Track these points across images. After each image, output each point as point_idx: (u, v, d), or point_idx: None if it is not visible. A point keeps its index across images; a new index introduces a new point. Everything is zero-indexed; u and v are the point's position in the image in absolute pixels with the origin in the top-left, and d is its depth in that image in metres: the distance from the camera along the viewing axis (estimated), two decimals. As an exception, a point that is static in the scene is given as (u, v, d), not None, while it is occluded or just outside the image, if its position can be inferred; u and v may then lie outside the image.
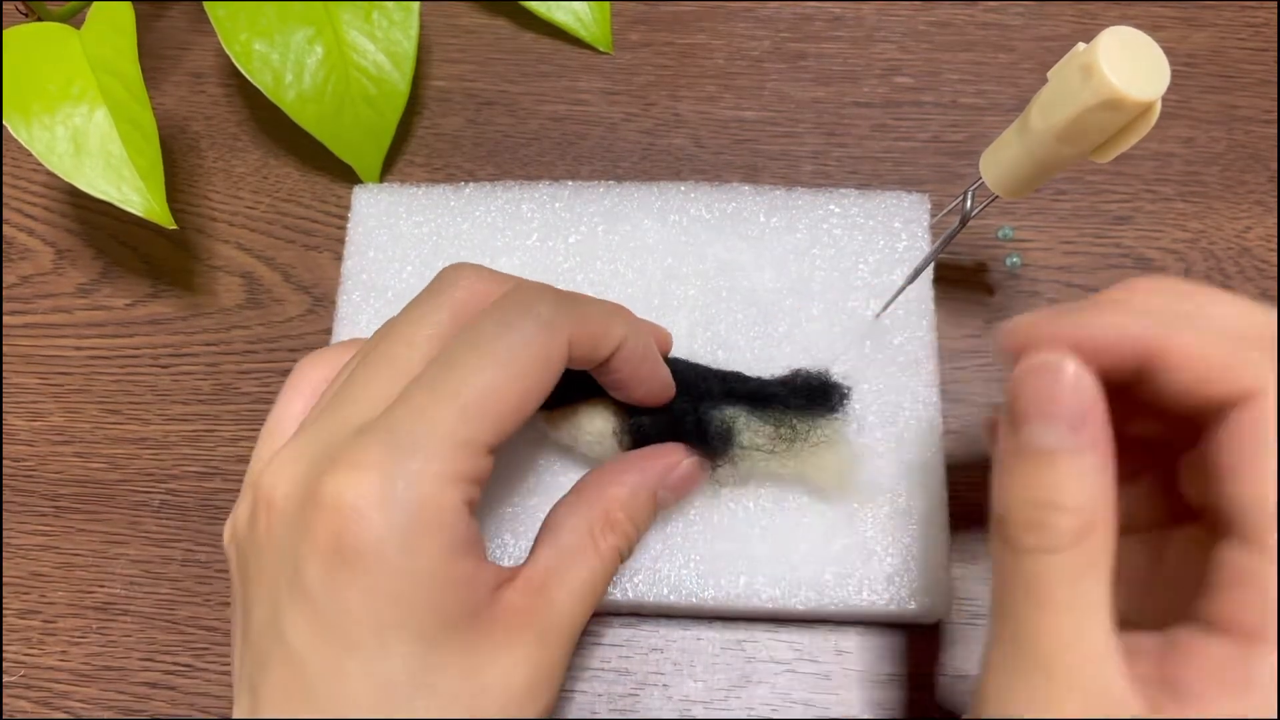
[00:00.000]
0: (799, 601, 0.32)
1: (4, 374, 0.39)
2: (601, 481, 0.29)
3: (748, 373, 0.33)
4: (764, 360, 0.35)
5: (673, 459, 0.30)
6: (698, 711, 0.33)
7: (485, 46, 0.44)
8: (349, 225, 0.38)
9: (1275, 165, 0.40)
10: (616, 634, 0.34)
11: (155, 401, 0.38)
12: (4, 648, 0.35)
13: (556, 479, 0.33)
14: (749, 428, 0.31)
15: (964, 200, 0.33)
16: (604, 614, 0.34)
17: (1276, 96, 0.41)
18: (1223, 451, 0.22)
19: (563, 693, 0.33)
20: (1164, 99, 0.27)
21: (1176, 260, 0.39)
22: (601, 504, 0.28)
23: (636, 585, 0.33)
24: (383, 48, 0.40)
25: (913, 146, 0.41)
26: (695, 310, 0.36)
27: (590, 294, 0.36)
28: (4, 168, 0.42)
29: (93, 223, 0.41)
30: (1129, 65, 0.26)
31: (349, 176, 0.41)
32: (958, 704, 0.33)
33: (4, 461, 0.38)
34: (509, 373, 0.24)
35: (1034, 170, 0.30)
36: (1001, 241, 0.39)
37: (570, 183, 0.38)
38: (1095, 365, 0.23)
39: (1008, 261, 0.38)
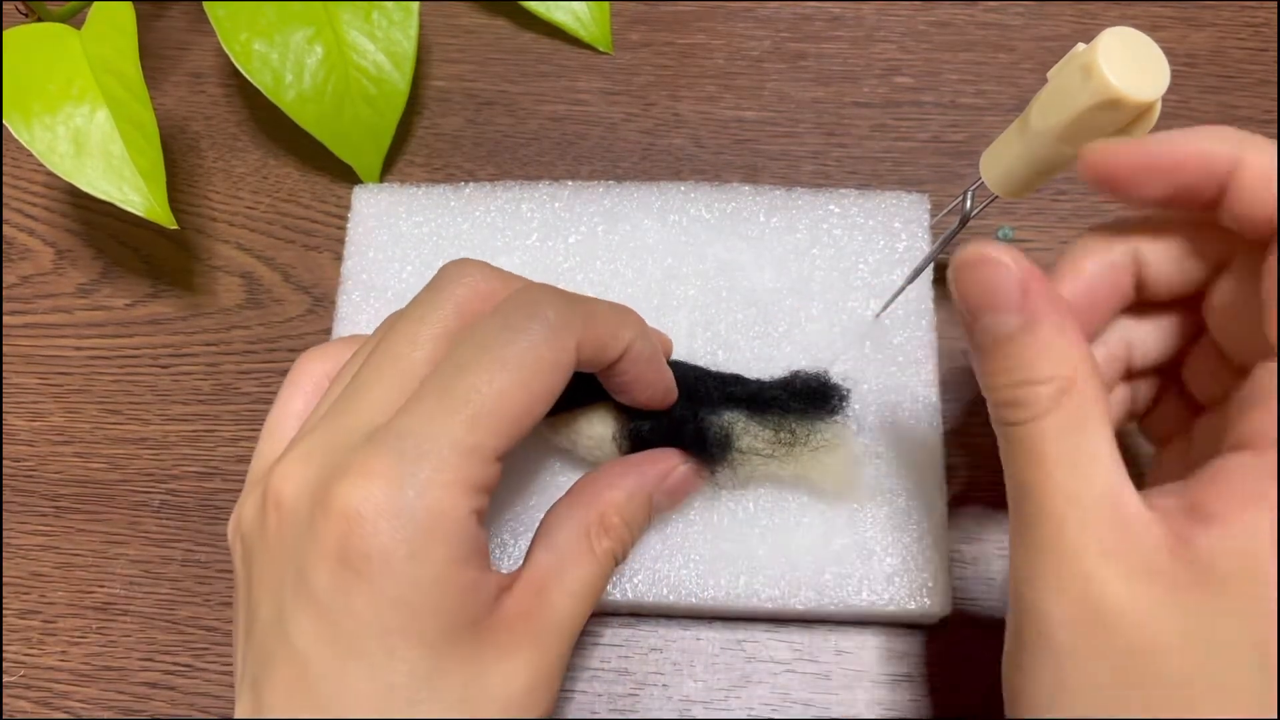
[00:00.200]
0: (799, 601, 0.32)
1: (4, 374, 0.39)
2: (597, 485, 0.29)
3: (747, 374, 0.33)
4: (764, 360, 0.35)
5: (669, 464, 0.30)
6: (697, 711, 0.33)
7: (485, 46, 0.44)
8: (349, 225, 0.38)
9: (1275, 165, 0.40)
10: (616, 634, 0.34)
11: (155, 401, 0.38)
12: (4, 648, 0.35)
13: (555, 479, 0.33)
14: (748, 432, 0.31)
15: (964, 200, 0.33)
16: (603, 614, 0.34)
17: (1276, 96, 0.41)
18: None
19: (563, 693, 0.33)
20: (1164, 99, 0.27)
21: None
22: (597, 507, 0.28)
23: (636, 585, 0.33)
24: (383, 48, 0.40)
25: (913, 146, 0.41)
26: (695, 310, 0.36)
27: (590, 294, 0.36)
28: (4, 168, 0.42)
29: (93, 223, 0.41)
30: (1129, 65, 0.26)
31: (349, 176, 0.41)
32: (958, 704, 0.33)
33: (4, 461, 0.38)
34: (518, 379, 0.24)
35: (1034, 170, 0.30)
36: (1001, 241, 0.39)
37: (570, 183, 0.38)
38: (1178, 183, 0.24)
39: (1008, 261, 0.38)
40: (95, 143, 0.35)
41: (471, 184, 0.38)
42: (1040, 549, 0.23)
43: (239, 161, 0.42)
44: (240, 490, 0.28)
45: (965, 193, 0.32)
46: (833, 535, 0.33)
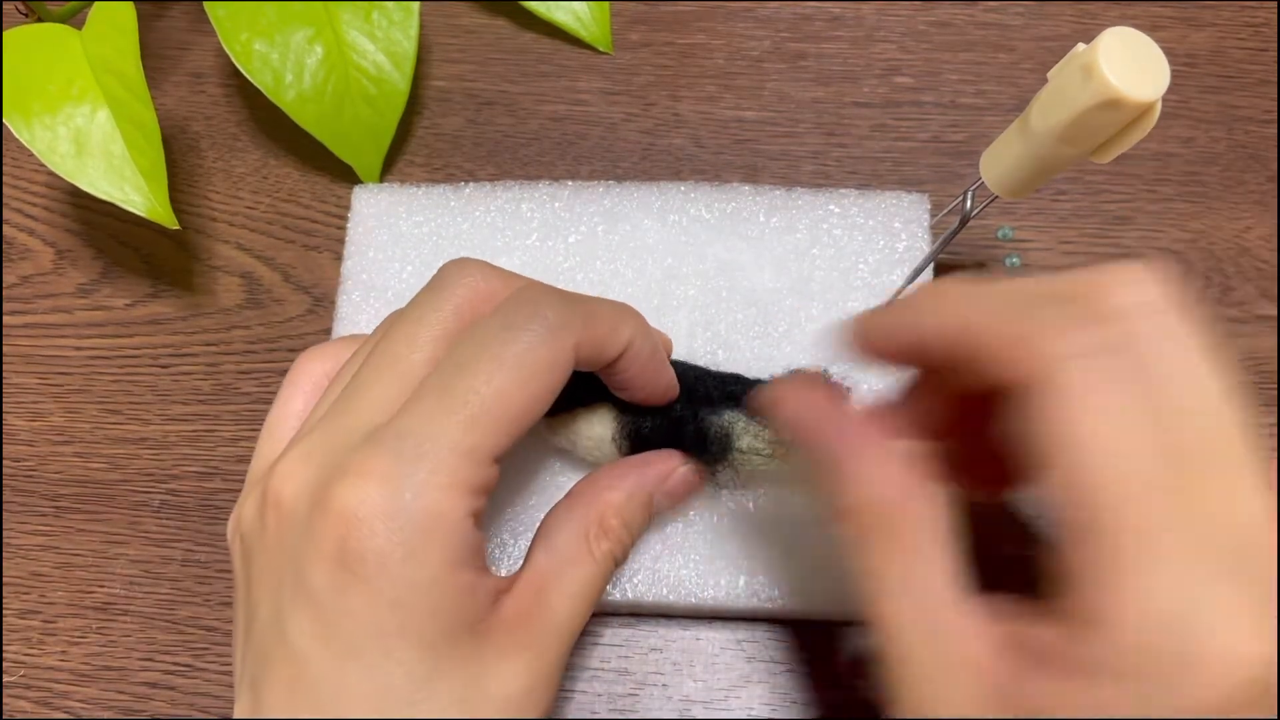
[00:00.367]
0: (799, 602, 0.32)
1: (4, 374, 0.39)
2: (597, 487, 0.29)
3: (747, 374, 0.33)
4: (764, 360, 0.35)
5: (669, 465, 0.30)
6: (697, 711, 0.33)
7: (485, 46, 0.44)
8: (349, 225, 0.38)
9: (1275, 165, 0.40)
10: (616, 634, 0.34)
11: (155, 401, 0.38)
12: (4, 648, 0.35)
13: (555, 479, 0.33)
14: (748, 432, 0.31)
15: (964, 200, 0.33)
16: (603, 614, 0.34)
17: (1276, 96, 0.41)
18: (1029, 435, 0.21)
19: (563, 693, 0.33)
20: (1164, 99, 0.27)
21: (1176, 260, 0.39)
22: (596, 509, 0.28)
23: (636, 585, 0.33)
24: (383, 48, 0.40)
25: (913, 146, 0.41)
26: (695, 310, 0.36)
27: (590, 294, 0.36)
28: (4, 168, 0.42)
29: (93, 223, 0.41)
30: (1129, 65, 0.26)
31: (349, 176, 0.41)
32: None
33: (4, 461, 0.38)
34: (517, 379, 0.24)
35: (1034, 170, 0.30)
36: (1001, 241, 0.39)
37: (570, 183, 0.38)
38: (914, 361, 0.24)
39: (1007, 262, 0.39)
40: (96, 143, 0.35)
41: (471, 184, 0.38)
42: (889, 672, 0.22)
43: (239, 161, 0.42)
44: (240, 490, 0.28)
45: (965, 193, 0.32)
46: (833, 535, 0.33)
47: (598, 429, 0.31)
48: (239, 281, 0.40)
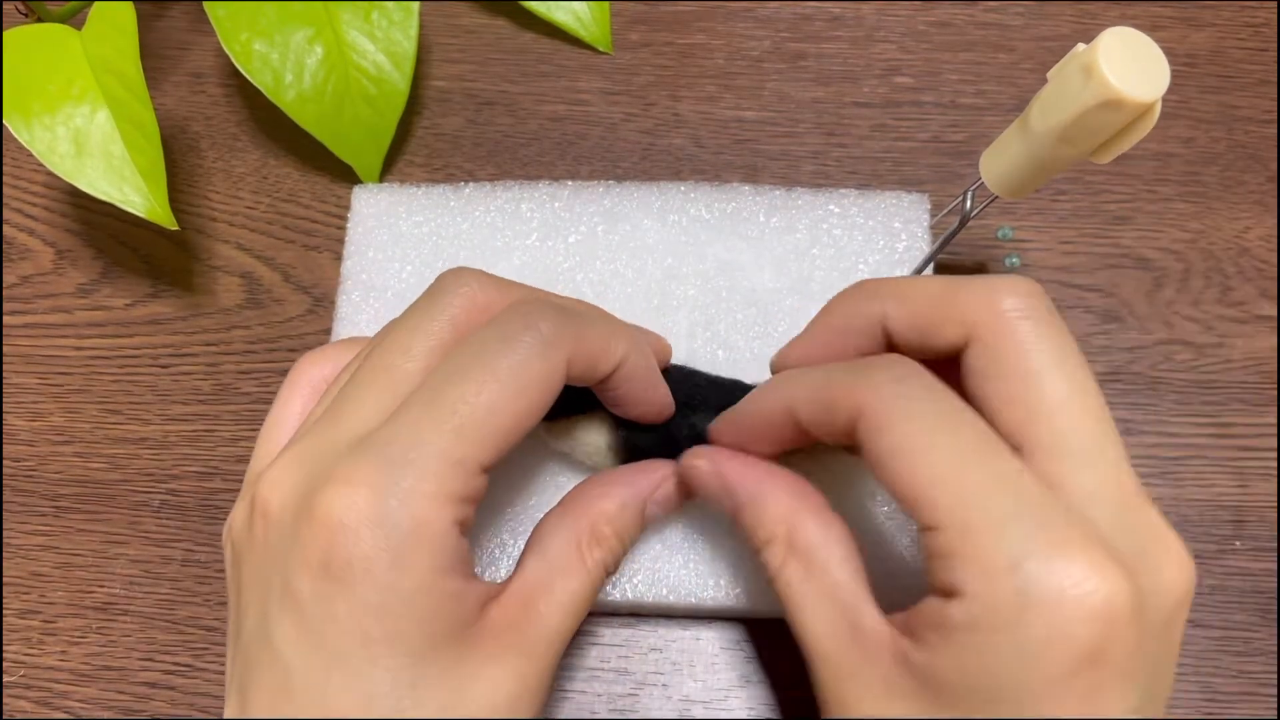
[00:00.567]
0: (799, 601, 0.32)
1: (4, 374, 0.39)
2: (589, 495, 0.28)
3: (746, 375, 0.33)
4: (764, 360, 0.35)
5: (662, 473, 0.30)
6: (697, 711, 0.33)
7: (485, 46, 0.44)
8: (349, 225, 0.38)
9: (1275, 165, 0.40)
10: (616, 634, 0.34)
11: (155, 401, 0.38)
12: (4, 648, 0.35)
13: (555, 479, 0.33)
14: None
15: (964, 200, 0.33)
16: (604, 614, 0.34)
17: (1276, 96, 0.42)
18: (869, 465, 0.24)
19: (562, 693, 0.33)
20: (1164, 99, 0.27)
21: (1176, 260, 0.39)
22: (588, 518, 0.28)
23: (636, 585, 0.33)
24: (383, 48, 0.40)
25: (912, 146, 0.41)
26: (695, 310, 0.36)
27: (590, 294, 0.36)
28: (4, 168, 0.42)
29: (93, 223, 0.41)
30: (1129, 66, 0.26)
31: (349, 176, 0.41)
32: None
33: (4, 461, 0.38)
34: (508, 391, 0.24)
35: (1034, 171, 0.30)
36: (1001, 241, 0.39)
37: (570, 183, 0.38)
38: (772, 447, 0.28)
39: (1007, 262, 0.39)
40: (96, 143, 0.35)
41: (471, 184, 0.38)
42: (815, 678, 0.25)
43: (239, 161, 0.42)
44: (240, 490, 0.28)
45: (965, 193, 0.32)
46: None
47: (595, 437, 0.31)
48: (239, 281, 0.40)
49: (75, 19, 0.38)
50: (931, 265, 0.35)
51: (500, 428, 0.24)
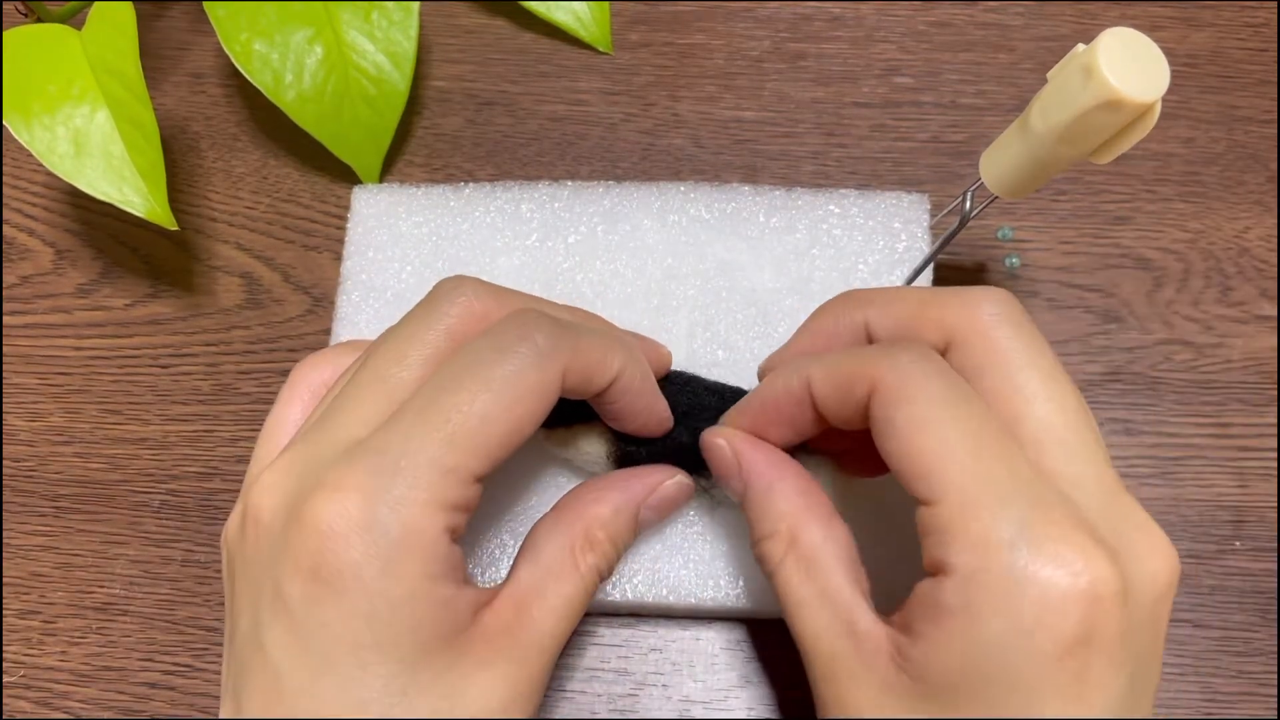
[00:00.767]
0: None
1: (4, 374, 0.39)
2: (583, 500, 0.28)
3: (746, 374, 0.33)
4: (763, 360, 0.35)
5: (656, 478, 0.30)
6: (697, 711, 0.33)
7: (485, 46, 0.44)
8: (348, 225, 0.38)
9: (1275, 165, 0.40)
10: (616, 634, 0.34)
11: (155, 401, 0.38)
12: (4, 648, 0.35)
13: (556, 480, 0.33)
14: None
15: (963, 201, 0.33)
16: (603, 614, 0.34)
17: (1276, 96, 0.42)
18: (879, 440, 0.25)
19: (562, 693, 0.34)
20: (1164, 99, 0.27)
21: (1176, 260, 0.39)
22: (582, 523, 0.28)
23: (636, 585, 0.33)
24: (382, 48, 0.40)
25: (912, 147, 0.41)
26: (695, 310, 0.36)
27: (590, 294, 0.36)
28: (4, 168, 0.42)
29: (93, 223, 0.41)
30: (1129, 66, 0.26)
31: (349, 176, 0.41)
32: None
33: (4, 461, 0.38)
34: (501, 402, 0.24)
35: (1034, 171, 0.30)
36: (1001, 242, 0.39)
37: (570, 183, 0.38)
38: (785, 431, 0.28)
39: (1007, 262, 0.39)
40: (95, 143, 0.35)
41: (471, 184, 0.38)
42: (811, 677, 0.26)
43: (239, 161, 0.42)
44: (239, 491, 0.28)
45: (965, 193, 0.32)
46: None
47: (595, 447, 0.31)
48: (239, 281, 0.40)
49: (75, 19, 0.38)
50: (931, 265, 0.35)
51: (493, 437, 0.24)
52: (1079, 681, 0.22)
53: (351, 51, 0.39)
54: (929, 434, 0.24)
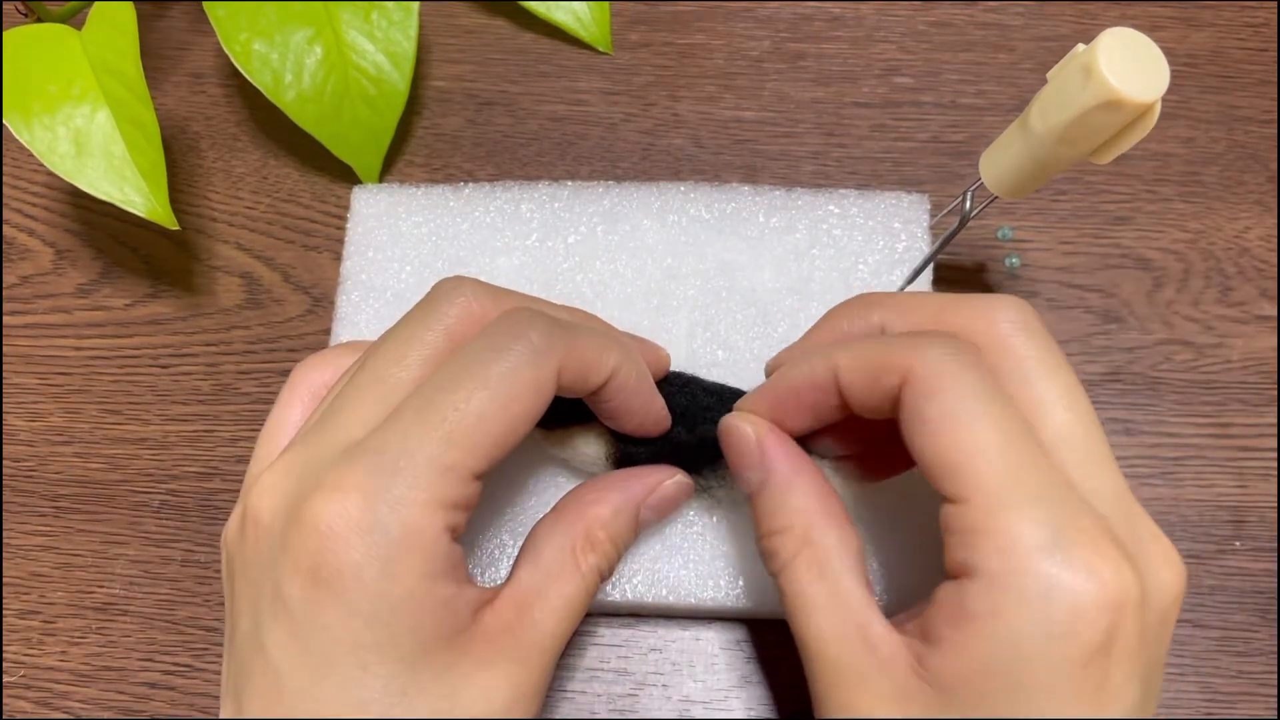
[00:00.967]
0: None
1: (4, 374, 0.39)
2: (583, 500, 0.28)
3: (747, 376, 0.33)
4: (763, 360, 0.35)
5: (655, 479, 0.30)
6: (697, 711, 0.33)
7: (485, 46, 0.44)
8: (348, 225, 0.38)
9: (1275, 165, 0.40)
10: (616, 634, 0.34)
11: (155, 401, 0.38)
12: (4, 648, 0.35)
13: (555, 479, 0.33)
14: None
15: (963, 201, 0.33)
16: (603, 614, 0.34)
17: (1276, 96, 0.42)
18: (907, 432, 0.25)
19: (562, 693, 0.34)
20: (1164, 99, 0.27)
21: (1176, 260, 0.39)
22: (583, 523, 0.28)
23: (636, 585, 0.33)
24: (382, 48, 0.40)
25: (912, 147, 0.41)
26: (695, 310, 0.36)
27: (590, 294, 0.36)
28: (4, 168, 0.42)
29: (93, 223, 0.41)
30: (1129, 66, 0.26)
31: (348, 176, 0.41)
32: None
33: (4, 461, 0.38)
34: (497, 399, 0.24)
35: (1034, 171, 0.30)
36: (1001, 242, 0.39)
37: (570, 183, 0.38)
38: (805, 419, 0.28)
39: (1007, 262, 0.39)
40: (96, 143, 0.35)
41: (471, 184, 0.38)
42: (815, 680, 0.25)
43: (239, 161, 0.42)
44: (239, 491, 0.28)
45: (965, 193, 0.32)
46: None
47: (593, 448, 0.31)
48: (239, 281, 0.40)
49: (75, 19, 0.38)
50: (931, 265, 0.35)
51: (491, 435, 0.24)
52: (1099, 688, 0.22)
53: (351, 51, 0.39)
54: (961, 429, 0.23)
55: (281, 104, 0.39)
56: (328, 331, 0.38)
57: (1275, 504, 0.36)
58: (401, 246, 0.37)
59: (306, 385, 0.29)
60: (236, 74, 0.40)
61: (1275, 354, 0.37)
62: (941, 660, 0.23)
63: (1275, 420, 0.37)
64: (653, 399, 0.29)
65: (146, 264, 0.40)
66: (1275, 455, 0.36)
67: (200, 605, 0.35)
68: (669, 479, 0.30)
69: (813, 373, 0.27)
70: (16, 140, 0.36)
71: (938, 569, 0.24)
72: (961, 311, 0.26)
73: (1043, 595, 0.22)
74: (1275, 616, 0.34)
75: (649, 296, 0.36)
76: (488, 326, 0.26)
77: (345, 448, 0.24)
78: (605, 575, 0.28)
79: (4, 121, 0.35)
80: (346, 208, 0.39)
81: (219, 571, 0.36)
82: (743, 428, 0.28)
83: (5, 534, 0.37)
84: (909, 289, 0.35)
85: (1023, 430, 0.24)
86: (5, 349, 0.39)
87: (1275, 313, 0.38)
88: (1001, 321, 0.26)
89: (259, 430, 0.29)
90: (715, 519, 0.33)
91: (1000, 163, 0.31)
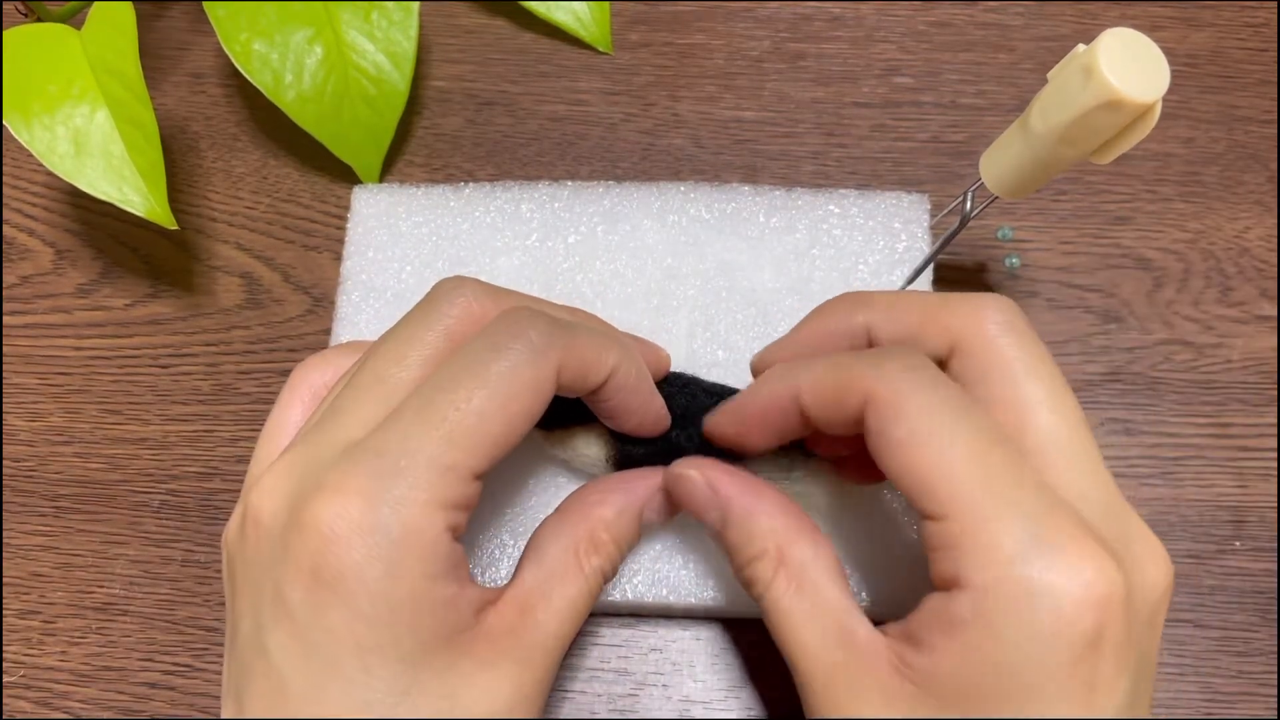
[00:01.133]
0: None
1: (4, 374, 0.39)
2: (587, 501, 0.28)
3: (746, 379, 0.33)
4: (764, 360, 0.35)
5: (659, 480, 0.30)
6: (697, 711, 0.33)
7: (485, 46, 0.44)
8: (348, 225, 0.38)
9: (1275, 165, 0.40)
10: (616, 634, 0.34)
11: (155, 401, 0.38)
12: (4, 648, 0.35)
13: (556, 480, 0.33)
14: None
15: (964, 201, 0.33)
16: (604, 614, 0.34)
17: (1276, 96, 0.42)
18: (876, 453, 0.25)
19: (562, 693, 0.34)
20: (1164, 99, 0.27)
21: (1176, 260, 0.39)
22: (586, 525, 0.28)
23: (636, 586, 0.33)
24: (382, 48, 0.40)
25: (912, 147, 0.41)
26: (695, 310, 0.36)
27: (590, 294, 0.36)
28: (4, 168, 0.42)
29: (93, 223, 0.41)
30: (1129, 66, 0.26)
31: (349, 176, 0.41)
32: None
33: (4, 461, 0.38)
34: (496, 398, 0.24)
35: (1034, 171, 0.30)
36: (1001, 242, 0.39)
37: (570, 183, 0.38)
38: (772, 438, 0.28)
39: (1007, 262, 0.39)
40: (95, 143, 0.35)
41: (471, 184, 0.38)
42: (804, 689, 0.25)
43: (239, 161, 0.42)
44: (239, 491, 0.28)
45: (965, 193, 0.32)
46: (830, 537, 0.33)
47: (593, 449, 0.31)
48: (239, 281, 0.40)
49: (75, 19, 0.38)
50: (931, 265, 0.35)
51: (491, 434, 0.24)
52: (1088, 685, 0.22)
53: (351, 51, 0.39)
54: (928, 448, 0.23)
55: (281, 104, 0.39)
56: (328, 331, 0.38)
57: (1275, 504, 0.36)
58: (402, 246, 0.37)
59: (307, 385, 0.29)
60: (236, 74, 0.40)
61: (1275, 354, 0.38)
62: (929, 663, 0.23)
63: (1275, 420, 0.37)
64: (652, 398, 0.29)
65: (146, 264, 0.40)
66: (1275, 455, 0.36)
67: (200, 605, 0.35)
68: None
69: (774, 396, 0.27)
70: (16, 140, 0.36)
71: (923, 576, 0.24)
72: (947, 311, 0.26)
73: (1027, 599, 0.22)
74: (1275, 616, 0.34)
75: (649, 296, 0.36)
76: (487, 326, 0.26)
77: (346, 448, 0.24)
78: (609, 576, 0.28)
79: (4, 121, 0.35)
80: (346, 208, 0.39)
81: (219, 572, 0.36)
82: (688, 474, 0.28)
83: (5, 534, 0.37)
84: (910, 289, 0.35)
85: (993, 439, 0.24)
86: (5, 349, 0.39)
87: (1275, 313, 0.38)
88: (988, 322, 0.26)
89: (259, 430, 0.29)
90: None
91: (1000, 163, 0.31)
